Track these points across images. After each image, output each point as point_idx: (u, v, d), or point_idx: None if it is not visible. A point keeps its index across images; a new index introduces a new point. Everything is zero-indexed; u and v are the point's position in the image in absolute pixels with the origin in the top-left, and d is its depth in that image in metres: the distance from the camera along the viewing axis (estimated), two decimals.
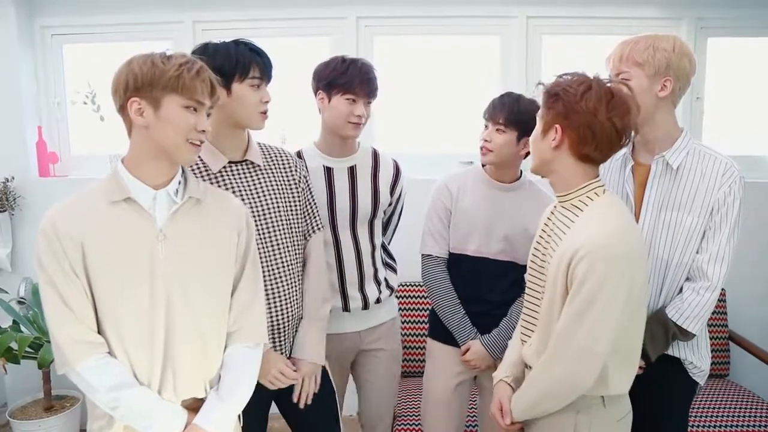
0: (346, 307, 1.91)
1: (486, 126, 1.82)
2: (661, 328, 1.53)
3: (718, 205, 1.50)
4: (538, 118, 1.40)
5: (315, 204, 1.78)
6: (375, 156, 1.97)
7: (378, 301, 1.95)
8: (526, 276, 1.53)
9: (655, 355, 1.54)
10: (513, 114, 1.75)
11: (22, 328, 2.55)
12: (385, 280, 1.99)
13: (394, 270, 2.07)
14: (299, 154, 1.89)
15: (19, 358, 2.40)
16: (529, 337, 1.48)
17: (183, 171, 1.33)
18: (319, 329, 1.72)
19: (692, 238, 1.54)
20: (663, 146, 1.57)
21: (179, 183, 1.30)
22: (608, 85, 1.33)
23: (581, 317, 1.26)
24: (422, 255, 1.96)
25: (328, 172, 1.88)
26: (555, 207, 1.47)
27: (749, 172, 2.88)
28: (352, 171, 1.90)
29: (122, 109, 1.24)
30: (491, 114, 1.80)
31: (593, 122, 1.29)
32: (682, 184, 1.55)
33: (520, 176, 1.90)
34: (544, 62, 2.93)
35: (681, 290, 1.57)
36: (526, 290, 1.51)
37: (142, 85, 1.20)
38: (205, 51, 1.54)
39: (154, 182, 1.26)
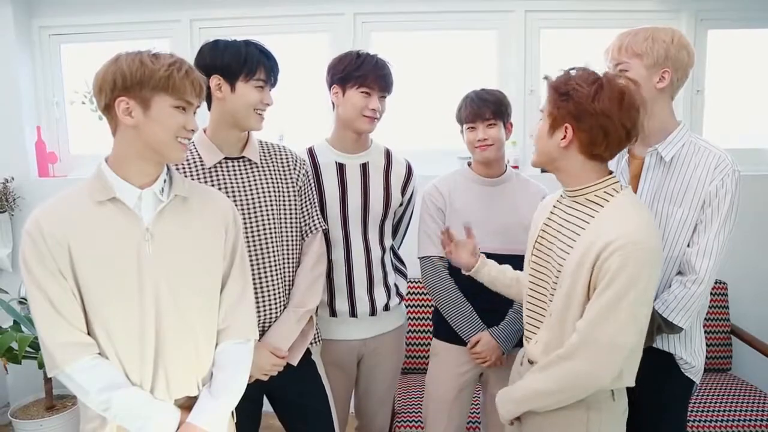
0: (353, 312, 1.86)
1: (471, 128, 1.84)
2: None
3: (710, 198, 1.48)
4: (544, 114, 1.36)
5: (315, 204, 1.76)
6: (388, 155, 1.95)
7: (386, 308, 1.91)
8: (527, 272, 1.50)
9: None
10: (497, 106, 1.82)
11: (23, 328, 2.55)
12: (396, 286, 1.96)
13: (405, 275, 2.03)
14: (310, 151, 1.87)
15: (20, 358, 2.40)
16: (535, 334, 1.45)
17: (168, 169, 1.32)
18: (296, 320, 1.65)
19: (682, 232, 1.52)
20: (658, 138, 1.55)
21: (164, 181, 1.29)
22: (618, 82, 1.30)
23: (611, 311, 1.23)
24: (421, 258, 1.94)
25: (341, 168, 1.86)
26: (560, 201, 1.44)
27: (751, 165, 2.87)
28: (364, 168, 1.88)
29: (107, 108, 1.22)
30: (476, 114, 1.81)
31: (606, 124, 1.26)
32: (675, 177, 1.53)
33: (506, 169, 1.93)
34: (543, 56, 2.92)
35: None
36: (528, 286, 1.49)
37: (131, 84, 1.18)
38: (215, 47, 1.55)
39: (139, 181, 1.25)
